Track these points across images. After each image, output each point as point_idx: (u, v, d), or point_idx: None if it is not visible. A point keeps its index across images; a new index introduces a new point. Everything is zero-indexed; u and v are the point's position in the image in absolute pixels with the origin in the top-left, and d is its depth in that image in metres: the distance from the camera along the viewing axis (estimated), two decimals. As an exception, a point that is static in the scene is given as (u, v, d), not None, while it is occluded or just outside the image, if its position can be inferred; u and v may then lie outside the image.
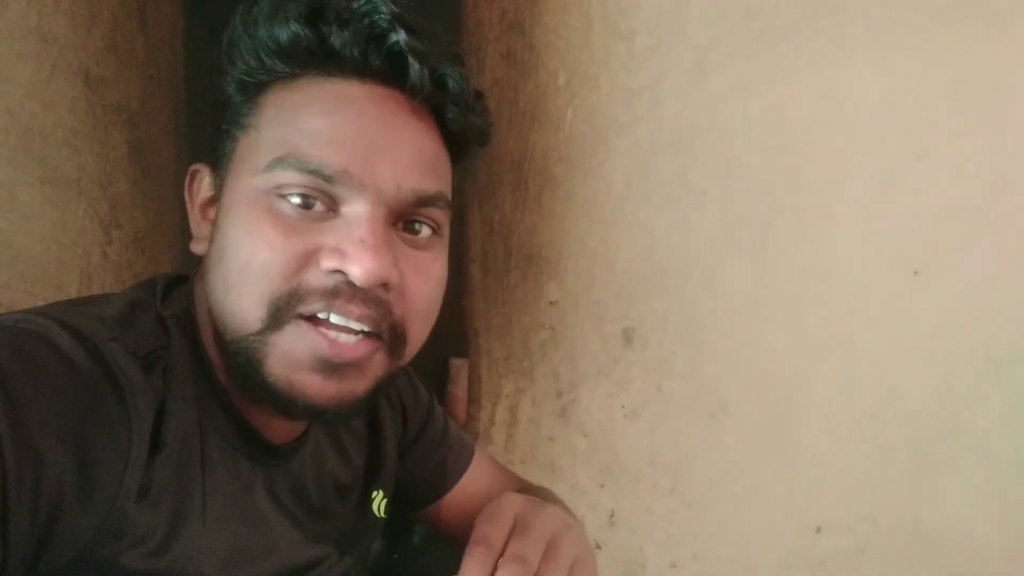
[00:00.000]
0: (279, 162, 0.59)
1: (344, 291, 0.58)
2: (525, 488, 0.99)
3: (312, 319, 0.59)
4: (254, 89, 0.63)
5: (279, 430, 0.71)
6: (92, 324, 0.57)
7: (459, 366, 1.35)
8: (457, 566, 0.58)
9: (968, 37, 1.21)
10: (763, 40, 1.28)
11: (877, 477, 1.33)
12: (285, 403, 0.61)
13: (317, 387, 0.60)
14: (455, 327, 1.37)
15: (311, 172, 0.58)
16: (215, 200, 0.66)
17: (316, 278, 0.58)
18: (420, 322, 0.65)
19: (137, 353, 0.58)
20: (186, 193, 0.69)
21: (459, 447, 0.97)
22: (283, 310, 0.58)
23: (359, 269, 0.57)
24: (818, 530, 1.35)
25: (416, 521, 0.99)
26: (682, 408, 1.39)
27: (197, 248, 0.67)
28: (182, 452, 0.60)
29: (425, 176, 0.63)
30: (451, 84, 0.65)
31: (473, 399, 1.37)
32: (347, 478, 0.82)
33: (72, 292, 1.07)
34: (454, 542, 0.97)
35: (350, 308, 0.59)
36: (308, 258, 0.59)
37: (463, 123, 0.67)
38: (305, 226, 0.59)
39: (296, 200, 0.59)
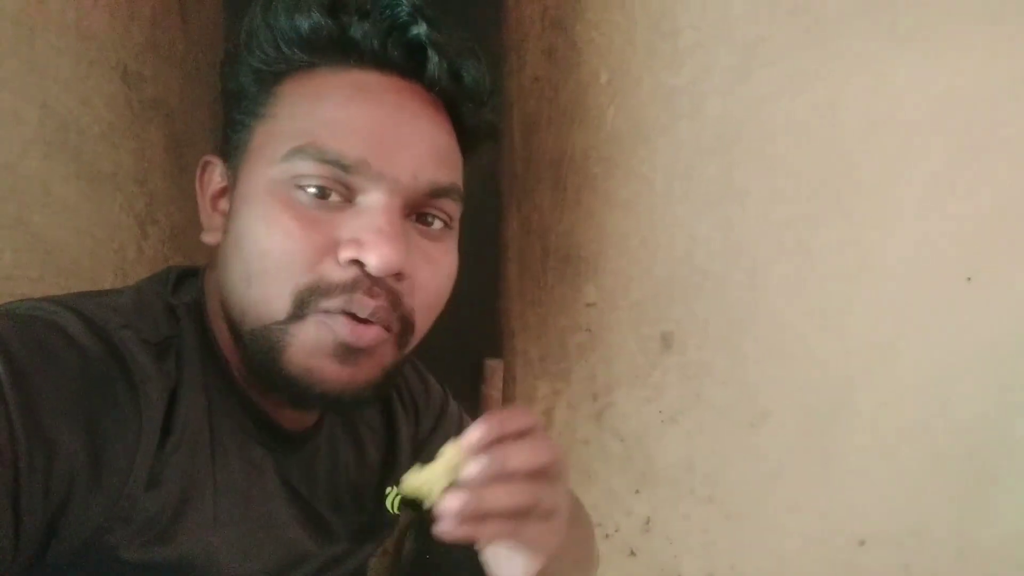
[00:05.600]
0: (297, 152, 0.59)
1: (362, 284, 0.58)
2: None
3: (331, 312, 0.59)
4: (271, 79, 0.63)
5: (293, 418, 0.71)
6: (104, 312, 0.57)
7: (494, 367, 1.34)
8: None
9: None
10: (811, 36, 1.25)
11: (925, 489, 1.28)
12: (301, 391, 0.60)
13: (333, 373, 0.60)
14: (490, 327, 1.35)
15: (329, 162, 0.58)
16: (227, 191, 0.66)
17: (336, 272, 0.58)
18: (427, 313, 0.66)
19: (150, 340, 0.59)
20: (197, 184, 0.69)
21: None
22: (307, 303, 0.58)
23: (375, 258, 0.57)
24: (862, 543, 1.30)
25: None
26: (721, 414, 1.35)
27: (209, 239, 0.67)
28: (193, 439, 0.61)
29: (440, 168, 0.63)
30: (468, 78, 0.65)
31: (507, 400, 1.36)
32: (363, 471, 0.81)
33: (107, 287, 1.06)
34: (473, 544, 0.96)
35: (366, 301, 0.59)
36: (327, 249, 0.58)
37: (477, 118, 0.68)
38: (322, 216, 0.59)
39: (313, 191, 0.59)
